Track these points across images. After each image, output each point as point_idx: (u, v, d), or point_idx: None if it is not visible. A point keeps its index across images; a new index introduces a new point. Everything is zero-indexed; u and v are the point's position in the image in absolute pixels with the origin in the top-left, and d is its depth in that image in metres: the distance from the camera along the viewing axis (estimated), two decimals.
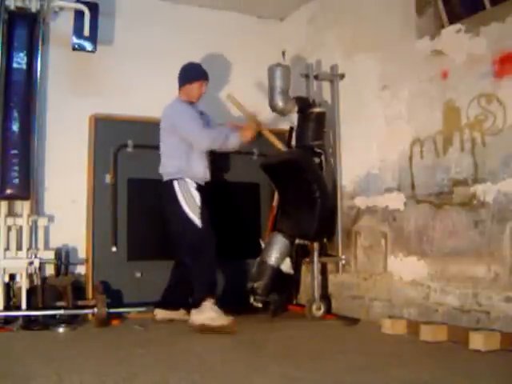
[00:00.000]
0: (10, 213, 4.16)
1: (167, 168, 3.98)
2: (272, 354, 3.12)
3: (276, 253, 4.12)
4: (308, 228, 4.08)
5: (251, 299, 4.09)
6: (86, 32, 4.30)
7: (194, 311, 3.73)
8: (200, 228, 3.83)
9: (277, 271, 4.12)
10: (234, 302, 4.36)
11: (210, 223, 3.89)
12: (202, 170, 3.99)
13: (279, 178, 4.37)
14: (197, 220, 3.83)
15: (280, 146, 4.27)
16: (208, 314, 3.68)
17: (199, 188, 3.94)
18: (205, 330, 3.64)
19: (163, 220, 4.03)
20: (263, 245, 4.28)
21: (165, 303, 4.09)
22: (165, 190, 3.97)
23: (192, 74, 4.09)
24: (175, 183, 3.90)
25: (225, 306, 4.41)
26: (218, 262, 4.08)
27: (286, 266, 4.17)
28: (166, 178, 3.98)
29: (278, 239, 4.16)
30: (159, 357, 3.04)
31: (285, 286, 4.43)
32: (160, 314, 4.05)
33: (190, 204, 3.86)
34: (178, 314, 4.07)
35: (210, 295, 3.75)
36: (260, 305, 4.08)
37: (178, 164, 3.93)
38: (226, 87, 4.50)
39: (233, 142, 3.98)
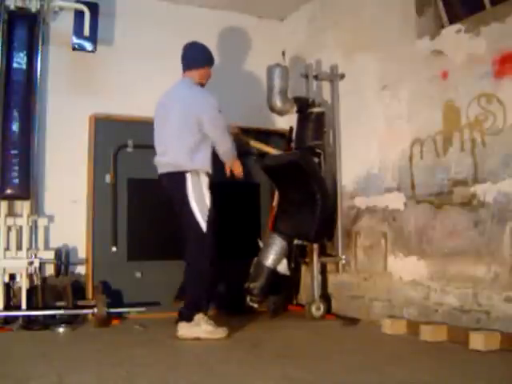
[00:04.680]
0: (10, 213, 4.16)
1: (176, 158, 3.65)
2: (272, 354, 3.12)
3: (273, 254, 4.11)
4: (308, 229, 4.07)
5: (247, 299, 4.09)
6: (86, 32, 4.30)
7: (185, 325, 3.50)
8: (204, 233, 3.60)
9: (273, 272, 4.12)
10: (233, 302, 4.39)
11: (214, 228, 3.65)
12: (209, 161, 3.73)
13: (280, 179, 4.37)
14: (203, 223, 3.60)
15: (272, 151, 4.27)
16: (204, 327, 3.49)
17: (210, 182, 3.70)
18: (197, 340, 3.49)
19: (173, 211, 3.80)
20: (261, 244, 4.28)
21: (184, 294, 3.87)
22: (174, 181, 3.67)
23: (210, 57, 3.90)
24: (188, 176, 3.62)
25: (225, 306, 4.44)
26: (218, 265, 4.08)
27: (283, 267, 4.16)
28: (175, 169, 3.65)
29: (275, 240, 4.15)
30: (159, 357, 3.04)
31: (281, 287, 4.43)
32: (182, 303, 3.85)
33: (200, 203, 3.61)
34: None
35: (203, 309, 3.56)
36: (256, 305, 4.08)
37: (190, 154, 3.63)
38: (226, 87, 4.49)
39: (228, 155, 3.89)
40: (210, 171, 3.73)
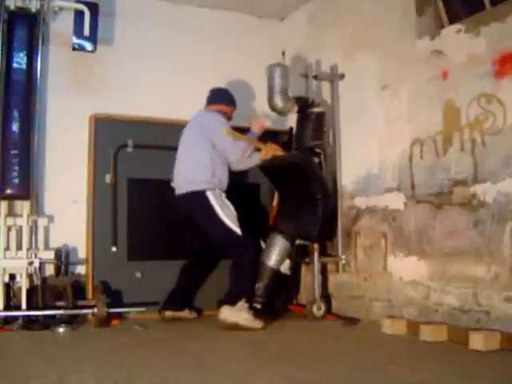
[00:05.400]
0: (10, 213, 4.16)
1: (197, 177, 3.95)
2: (272, 354, 3.12)
3: (276, 254, 4.11)
4: (311, 230, 4.07)
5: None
6: (86, 32, 4.30)
7: (227, 308, 3.75)
8: (241, 236, 3.88)
9: (276, 273, 4.12)
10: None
11: (245, 227, 3.94)
12: (226, 181, 4.07)
13: (280, 180, 4.36)
14: (236, 228, 3.87)
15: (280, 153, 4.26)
16: (244, 314, 3.74)
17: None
18: (234, 328, 3.69)
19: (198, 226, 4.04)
20: (263, 245, 4.28)
21: (171, 304, 4.13)
22: (196, 200, 3.95)
23: (231, 98, 4.27)
24: (209, 193, 3.91)
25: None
26: (218, 261, 4.22)
27: (285, 267, 4.17)
28: (195, 188, 3.94)
29: (278, 240, 4.15)
30: (159, 357, 3.04)
31: (283, 287, 4.43)
32: (168, 313, 4.12)
33: (228, 214, 3.90)
34: (184, 314, 4.16)
35: (246, 297, 3.81)
36: (259, 306, 4.08)
37: (210, 174, 3.95)
38: (226, 87, 4.49)
39: (254, 160, 4.18)
40: (225, 188, 4.04)
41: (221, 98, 4.23)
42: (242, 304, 3.76)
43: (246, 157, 4.10)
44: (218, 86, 4.33)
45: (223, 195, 3.99)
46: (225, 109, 4.19)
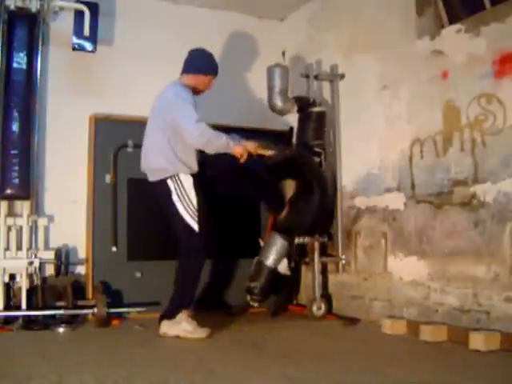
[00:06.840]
0: (10, 213, 4.16)
1: (155, 164, 3.65)
2: (272, 354, 3.12)
3: (274, 254, 4.11)
4: (302, 220, 4.03)
5: (248, 299, 4.09)
6: (86, 32, 4.30)
7: (166, 322, 3.55)
8: (197, 232, 3.61)
9: (274, 272, 4.12)
10: (233, 302, 4.39)
11: (206, 222, 3.62)
12: (191, 161, 3.65)
13: (281, 177, 4.36)
14: (194, 224, 3.59)
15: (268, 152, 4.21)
16: (184, 326, 3.53)
17: (194, 179, 3.63)
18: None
19: (165, 217, 3.86)
20: (262, 244, 4.28)
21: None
22: (158, 190, 3.67)
23: (210, 65, 3.79)
24: (169, 182, 3.59)
25: (224, 306, 4.44)
26: (217, 262, 4.19)
27: (283, 267, 4.16)
28: (157, 177, 3.65)
29: (276, 240, 4.14)
30: (159, 357, 3.04)
31: (281, 287, 4.43)
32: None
33: (187, 207, 3.59)
34: None
35: (186, 308, 3.59)
36: (256, 304, 4.08)
37: (168, 159, 3.59)
38: (226, 87, 4.49)
39: (223, 146, 3.60)
40: (195, 169, 3.66)
41: (196, 67, 3.73)
42: (181, 316, 3.54)
43: (217, 146, 3.56)
44: (197, 48, 3.86)
45: (188, 182, 3.60)
46: (201, 78, 3.73)
